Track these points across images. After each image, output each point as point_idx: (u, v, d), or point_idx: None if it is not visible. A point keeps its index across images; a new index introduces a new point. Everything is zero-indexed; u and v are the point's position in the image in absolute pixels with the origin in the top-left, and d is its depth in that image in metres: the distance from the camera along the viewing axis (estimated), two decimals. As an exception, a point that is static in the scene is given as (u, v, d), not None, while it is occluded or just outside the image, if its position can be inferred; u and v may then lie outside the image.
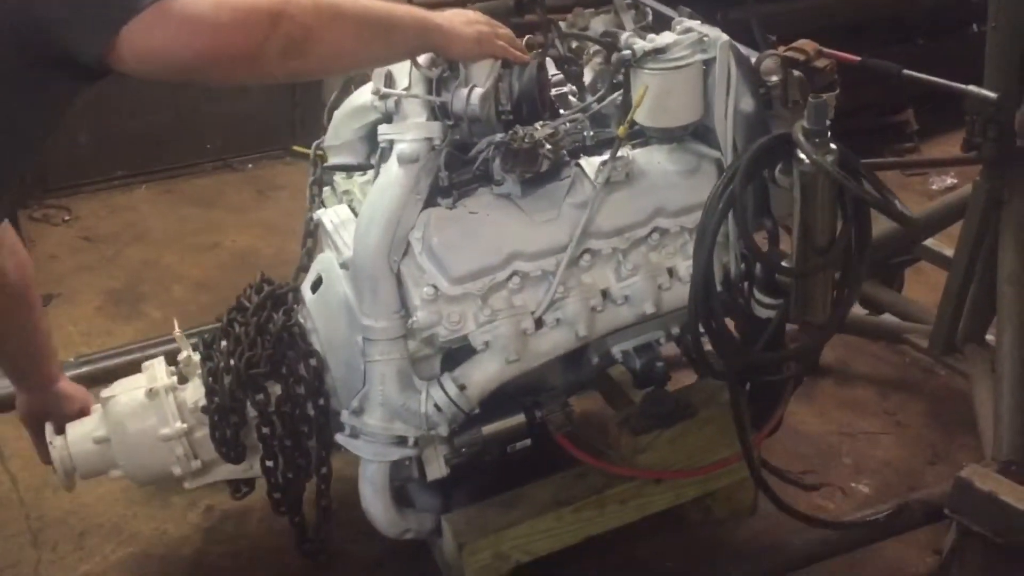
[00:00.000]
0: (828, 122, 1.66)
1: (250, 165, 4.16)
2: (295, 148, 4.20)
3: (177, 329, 2.19)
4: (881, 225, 3.02)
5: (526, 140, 1.73)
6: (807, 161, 1.66)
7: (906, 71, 2.46)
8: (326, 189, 2.31)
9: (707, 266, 1.74)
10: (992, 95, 2.40)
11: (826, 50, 1.96)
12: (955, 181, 4.24)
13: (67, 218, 3.70)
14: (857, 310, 3.20)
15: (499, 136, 1.78)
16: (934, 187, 4.35)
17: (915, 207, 3.26)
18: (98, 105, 3.79)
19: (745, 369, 1.91)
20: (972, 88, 2.41)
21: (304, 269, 2.24)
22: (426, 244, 1.79)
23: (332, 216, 2.13)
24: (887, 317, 3.14)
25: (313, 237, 2.28)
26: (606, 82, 2.01)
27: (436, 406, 1.85)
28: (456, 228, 1.79)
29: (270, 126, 4.06)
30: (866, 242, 1.79)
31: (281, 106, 4.04)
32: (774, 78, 1.84)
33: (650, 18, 2.11)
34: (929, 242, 3.09)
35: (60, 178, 3.85)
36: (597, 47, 2.05)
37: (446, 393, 1.85)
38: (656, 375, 2.07)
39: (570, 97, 2.09)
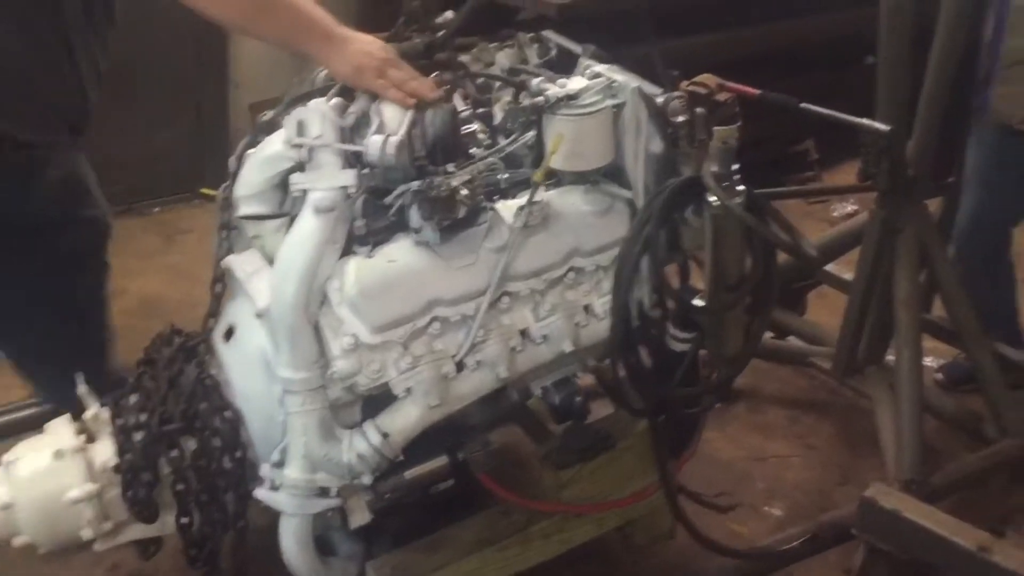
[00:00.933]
0: (736, 165, 1.66)
1: (157, 209, 4.04)
2: (203, 191, 4.07)
3: (82, 385, 2.07)
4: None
5: (443, 188, 1.69)
6: (716, 203, 1.66)
7: (804, 104, 2.49)
8: (235, 232, 2.22)
9: (624, 308, 1.72)
10: (884, 128, 2.44)
11: (727, 84, 1.98)
12: (856, 207, 4.36)
13: None
14: (764, 334, 3.26)
15: (415, 184, 1.73)
16: (835, 214, 4.49)
17: (817, 233, 3.38)
18: None
19: (664, 403, 1.90)
20: (865, 121, 2.45)
21: (213, 315, 2.13)
22: (345, 294, 1.72)
23: (243, 263, 2.03)
24: (792, 340, 3.20)
25: (223, 283, 2.18)
26: (515, 122, 1.98)
27: (359, 455, 1.78)
28: (375, 277, 1.73)
29: (177, 169, 3.95)
30: (772, 277, 1.80)
31: (189, 148, 3.92)
32: (680, 118, 1.83)
33: (554, 52, 2.10)
34: (830, 267, 3.15)
35: None
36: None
37: (369, 442, 1.78)
38: (575, 409, 2.03)
39: (479, 135, 2.05)
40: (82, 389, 2.06)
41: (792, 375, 3.22)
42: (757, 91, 2.17)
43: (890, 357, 2.80)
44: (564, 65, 2.04)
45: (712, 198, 1.67)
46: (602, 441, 2.08)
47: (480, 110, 2.02)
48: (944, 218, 3.00)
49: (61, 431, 2.00)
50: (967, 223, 3.02)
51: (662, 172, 1.83)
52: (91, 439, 1.99)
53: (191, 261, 3.57)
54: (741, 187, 1.67)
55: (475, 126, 2.02)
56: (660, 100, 1.82)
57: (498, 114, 2.05)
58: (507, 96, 2.05)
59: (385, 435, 1.79)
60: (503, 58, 2.10)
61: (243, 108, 4.07)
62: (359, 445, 1.78)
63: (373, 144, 1.70)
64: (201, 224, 3.84)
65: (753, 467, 2.83)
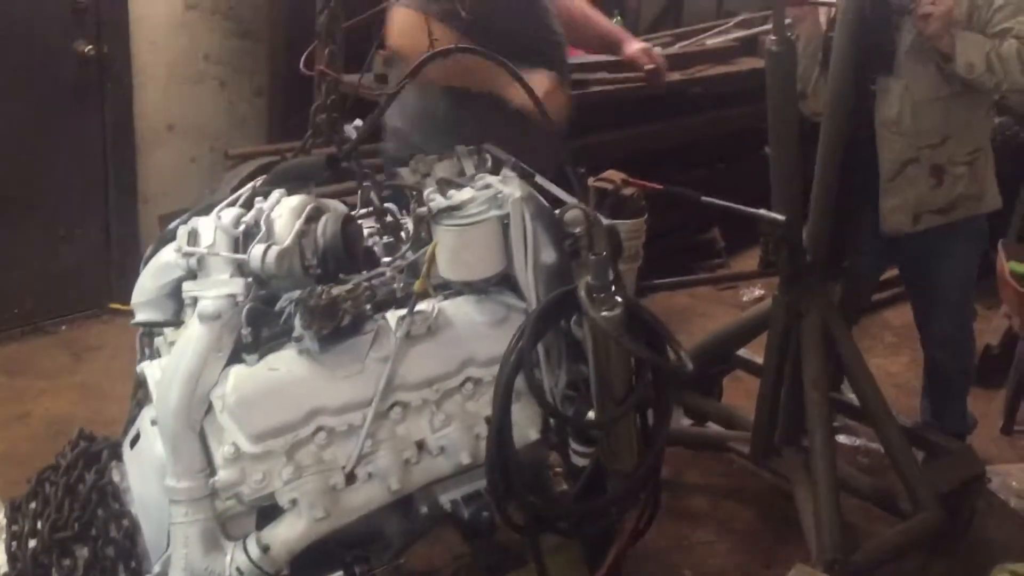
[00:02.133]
0: (611, 277, 1.56)
1: (64, 327, 3.77)
2: (112, 306, 3.83)
3: (-11, 489, 1.93)
4: (695, 337, 3.02)
5: (323, 296, 1.58)
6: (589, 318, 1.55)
7: (704, 197, 2.50)
8: (159, 340, 2.11)
9: (502, 422, 1.60)
10: (780, 217, 2.44)
11: (631, 179, 1.90)
12: (763, 292, 4.32)
13: None
14: (682, 421, 3.16)
15: (297, 292, 1.62)
16: (744, 299, 4.44)
17: (729, 318, 3.29)
18: None
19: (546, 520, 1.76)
20: (762, 212, 2.46)
21: (131, 421, 2.02)
22: (225, 402, 1.60)
23: (155, 369, 1.92)
24: (710, 426, 3.11)
25: (145, 389, 2.06)
26: (424, 231, 1.89)
27: (238, 570, 1.63)
28: (254, 385, 1.61)
29: (84, 285, 3.75)
30: (665, 389, 1.68)
31: (97, 263, 3.76)
32: (578, 229, 1.74)
33: (490, 164, 2.02)
34: (743, 352, 3.10)
35: None
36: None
37: (248, 556, 1.63)
38: (483, 525, 1.88)
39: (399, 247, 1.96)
40: (-12, 492, 1.93)
41: (712, 461, 3.10)
42: (660, 186, 2.10)
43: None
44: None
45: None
46: (511, 559, 1.91)
47: (387, 220, 1.93)
48: (845, 300, 2.95)
49: (-45, 538, 1.86)
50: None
51: (555, 283, 1.70)
52: (-11, 545, 1.86)
53: (101, 378, 3.30)
54: (619, 299, 1.55)
55: (385, 239, 1.94)
56: (558, 211, 1.73)
57: (411, 226, 1.96)
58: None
59: (266, 548, 1.64)
60: (440, 169, 2.01)
61: (153, 221, 3.94)
62: (239, 559, 1.63)
63: (255, 254, 1.61)
64: (111, 340, 3.60)
65: (679, 555, 2.70)
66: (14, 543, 1.79)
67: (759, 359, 2.90)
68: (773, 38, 2.45)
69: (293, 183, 1.83)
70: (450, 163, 1.99)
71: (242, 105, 4.27)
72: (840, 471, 2.61)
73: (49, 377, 3.36)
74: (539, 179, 1.86)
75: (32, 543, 1.78)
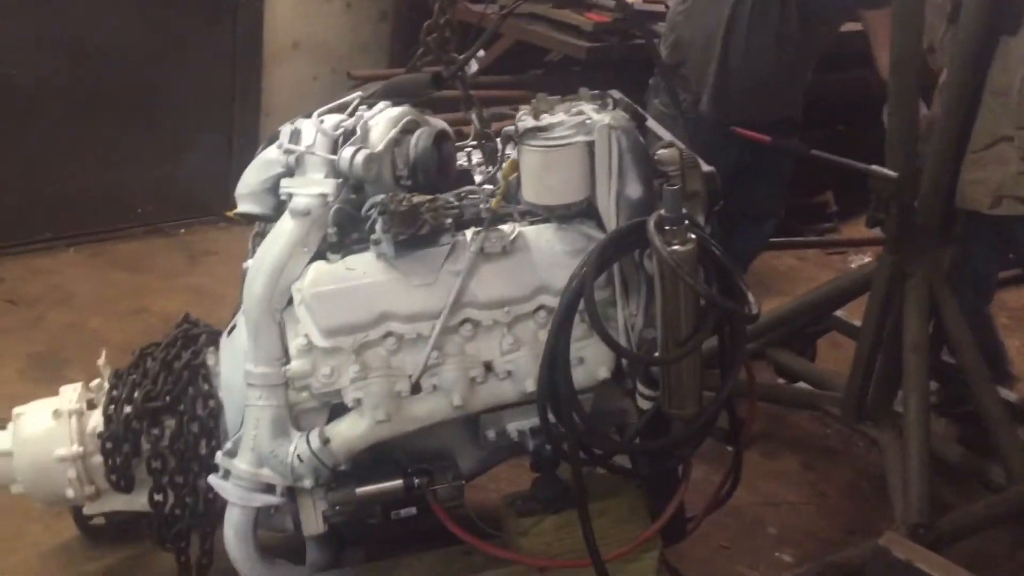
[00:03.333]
0: (684, 210, 1.44)
1: (182, 230, 3.78)
2: (229, 213, 3.95)
3: (103, 358, 2.01)
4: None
5: (403, 203, 1.55)
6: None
7: (814, 151, 2.32)
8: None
9: (556, 350, 1.52)
10: (892, 174, 2.29)
11: (738, 130, 1.75)
12: (872, 260, 4.00)
13: None
14: (773, 378, 3.01)
15: (380, 197, 1.60)
16: (853, 265, 4.08)
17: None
18: (26, 166, 3.50)
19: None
20: (874, 167, 2.30)
21: (237, 313, 2.06)
22: (302, 295, 1.61)
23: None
24: (801, 385, 2.93)
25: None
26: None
27: (299, 457, 1.64)
28: (330, 281, 1.61)
29: (204, 191, 3.69)
30: (740, 336, 1.55)
31: (215, 171, 3.69)
32: (672, 168, 1.62)
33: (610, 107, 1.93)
34: (840, 312, 2.91)
35: None
36: None
37: (309, 445, 1.64)
38: (547, 458, 1.81)
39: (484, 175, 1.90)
40: (101, 360, 2.01)
41: (807, 421, 2.91)
42: (767, 138, 1.94)
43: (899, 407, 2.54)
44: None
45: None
46: (570, 496, 1.82)
47: (487, 143, 1.88)
48: (953, 267, 2.69)
49: (68, 395, 1.96)
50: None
51: (638, 217, 1.59)
52: (91, 406, 1.94)
53: (214, 282, 3.25)
54: (691, 235, 1.43)
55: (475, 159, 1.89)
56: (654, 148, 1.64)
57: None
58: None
59: (326, 441, 1.64)
60: (561, 110, 1.93)
61: (273, 136, 4.01)
62: (300, 447, 1.65)
63: (344, 154, 1.60)
64: (226, 246, 3.57)
65: (766, 513, 2.54)
66: (112, 407, 1.85)
67: (857, 321, 2.73)
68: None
69: (399, 98, 1.79)
70: (571, 104, 1.90)
71: (366, 28, 4.24)
72: (933, 438, 2.44)
73: (166, 277, 3.43)
74: (651, 123, 1.75)
75: (127, 409, 1.83)
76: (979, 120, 2.49)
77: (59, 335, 3.00)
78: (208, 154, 3.74)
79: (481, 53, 1.87)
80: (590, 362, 1.69)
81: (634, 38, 3.41)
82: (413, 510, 1.80)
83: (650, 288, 1.62)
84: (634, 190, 1.62)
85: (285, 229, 1.64)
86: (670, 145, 1.68)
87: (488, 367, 1.68)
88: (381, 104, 1.74)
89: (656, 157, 1.66)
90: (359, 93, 1.79)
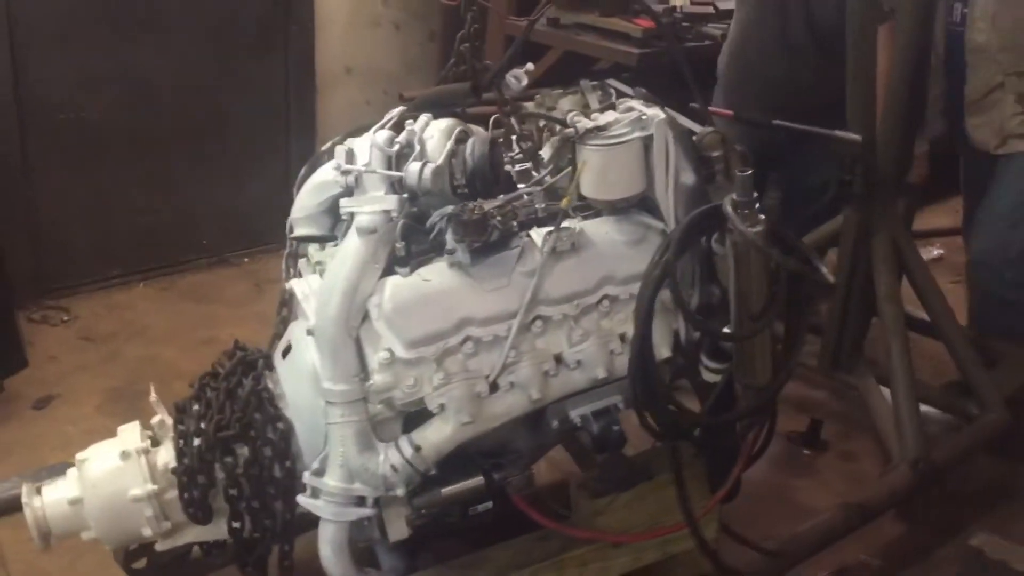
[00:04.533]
0: (755, 194, 1.51)
1: (246, 259, 3.84)
2: (291, 237, 3.96)
3: (153, 394, 2.00)
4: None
5: (475, 211, 1.60)
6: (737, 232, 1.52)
7: (776, 121, 2.43)
8: (301, 261, 2.15)
9: (645, 334, 1.58)
10: (857, 137, 2.42)
11: (711, 109, 1.83)
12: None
13: (65, 318, 3.33)
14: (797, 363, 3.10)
15: (450, 208, 1.64)
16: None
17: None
18: (95, 205, 3.53)
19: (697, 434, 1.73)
20: (838, 133, 2.43)
21: (279, 337, 2.07)
22: (382, 310, 1.64)
23: (303, 286, 1.98)
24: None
25: (288, 307, 2.11)
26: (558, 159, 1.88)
27: (393, 467, 1.68)
28: (409, 294, 1.65)
29: (265, 220, 3.67)
30: (803, 305, 1.63)
31: (276, 199, 3.76)
32: (715, 152, 1.69)
33: (614, 98, 1.99)
34: None
35: (58, 279, 3.51)
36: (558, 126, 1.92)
37: (402, 454, 1.68)
38: (613, 439, 1.87)
39: (533, 173, 1.94)
40: (153, 397, 1.99)
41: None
42: (730, 112, 2.01)
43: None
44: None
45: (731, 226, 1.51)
46: (639, 473, 1.92)
47: (528, 145, 1.93)
48: (906, 216, 2.94)
49: (130, 434, 1.94)
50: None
51: (693, 204, 1.70)
52: (156, 443, 1.93)
53: None
54: (761, 216, 1.51)
55: (528, 165, 1.93)
56: (696, 135, 1.70)
57: (548, 153, 1.94)
58: (557, 137, 1.95)
59: (417, 448, 1.68)
60: (566, 103, 1.99)
61: (329, 161, 4.04)
62: (393, 457, 1.68)
63: (412, 171, 1.63)
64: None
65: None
66: (181, 441, 1.84)
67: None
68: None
69: (439, 109, 1.82)
70: (575, 98, 1.97)
71: (415, 49, 4.28)
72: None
73: (233, 306, 3.47)
74: (668, 110, 1.82)
75: (197, 441, 1.82)
76: (969, 78, 2.72)
77: (135, 369, 3.05)
78: (267, 182, 3.76)
79: (531, 67, 1.89)
80: (654, 343, 1.74)
81: (686, 41, 3.49)
82: (490, 504, 1.84)
83: (704, 270, 1.70)
84: (687, 177, 1.70)
85: (353, 248, 1.66)
86: (712, 131, 1.74)
87: (558, 359, 1.74)
88: (423, 117, 1.77)
89: (700, 143, 1.73)
90: (400, 108, 1.81)
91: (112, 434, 2.18)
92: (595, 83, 1.99)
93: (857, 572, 2.28)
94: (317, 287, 1.93)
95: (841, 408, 2.92)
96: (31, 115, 3.32)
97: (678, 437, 1.76)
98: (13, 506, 2.24)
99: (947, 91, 2.90)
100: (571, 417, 1.84)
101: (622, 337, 1.76)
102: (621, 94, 1.91)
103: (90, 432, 2.55)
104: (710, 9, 3.67)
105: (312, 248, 2.08)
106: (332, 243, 1.90)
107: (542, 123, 1.99)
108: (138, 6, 3.46)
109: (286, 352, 1.92)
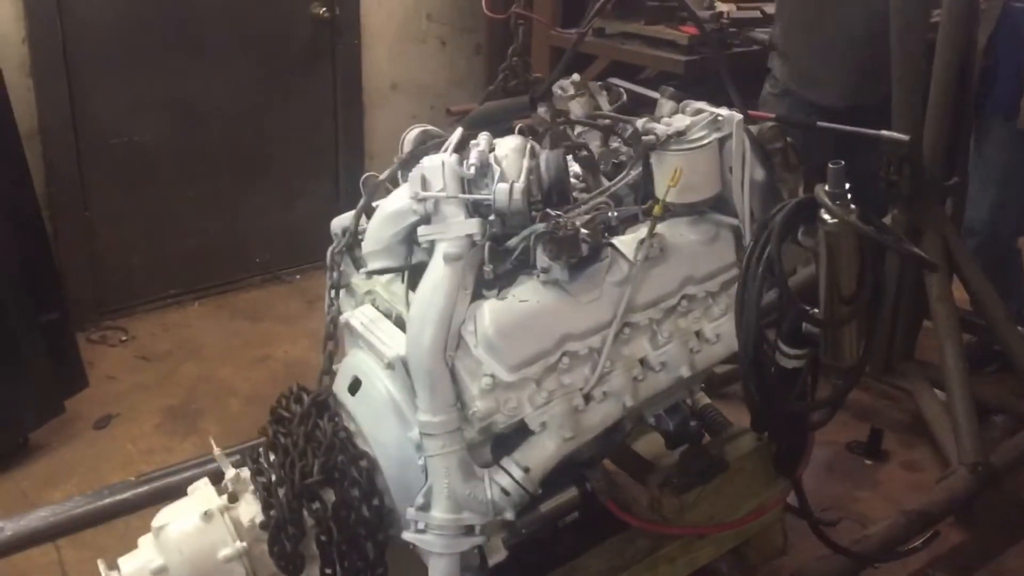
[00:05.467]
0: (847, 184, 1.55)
1: (298, 276, 3.88)
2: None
3: (216, 448, 1.94)
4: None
5: (569, 228, 1.59)
6: (832, 221, 1.55)
7: (820, 123, 2.43)
8: (342, 292, 2.11)
9: (753, 326, 1.60)
10: (904, 137, 2.40)
11: (751, 112, 1.86)
12: None
13: (124, 339, 3.40)
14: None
15: (540, 226, 1.62)
16: None
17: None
18: (149, 227, 3.56)
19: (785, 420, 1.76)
20: (885, 132, 2.40)
21: (327, 372, 2.01)
22: (481, 336, 1.62)
23: (360, 317, 1.94)
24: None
25: (334, 340, 2.06)
26: (608, 163, 1.90)
27: (503, 491, 1.66)
28: (510, 318, 1.63)
29: (315, 237, 3.79)
30: (882, 288, 1.68)
31: (326, 217, 3.87)
32: (776, 145, 1.73)
33: (624, 98, 2.01)
34: None
35: (116, 300, 3.55)
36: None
37: (512, 477, 1.67)
38: (690, 434, 1.90)
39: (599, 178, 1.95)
40: (217, 452, 1.93)
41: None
42: (772, 115, 2.06)
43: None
44: (638, 110, 1.95)
45: (827, 216, 1.54)
46: (718, 463, 1.95)
47: (584, 154, 1.92)
48: (954, 216, 2.95)
49: (205, 493, 1.87)
50: (988, 216, 3.00)
51: (766, 199, 1.75)
52: (234, 499, 1.86)
53: None
54: (853, 205, 1.55)
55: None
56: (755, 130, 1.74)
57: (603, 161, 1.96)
58: (596, 142, 1.96)
59: (527, 469, 1.67)
60: (576, 107, 2.00)
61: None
62: (502, 481, 1.67)
63: (501, 192, 1.61)
64: None
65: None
66: (265, 493, 1.79)
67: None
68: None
69: (495, 125, 1.82)
70: (586, 100, 2.00)
71: (461, 63, 4.28)
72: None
73: (286, 323, 3.49)
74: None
75: (282, 492, 1.77)
76: None
77: (191, 387, 3.08)
78: (317, 200, 3.77)
79: (576, 78, 1.89)
80: (726, 337, 1.80)
81: (734, 47, 3.48)
82: (576, 514, 1.86)
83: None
84: (758, 173, 1.75)
85: (442, 276, 1.63)
86: (772, 124, 1.78)
87: (643, 363, 1.76)
88: (483, 136, 1.74)
89: (762, 137, 1.76)
90: (460, 129, 1.80)
91: (171, 453, 2.12)
92: (601, 83, 2.01)
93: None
94: (376, 317, 1.92)
95: (901, 417, 2.92)
96: (86, 140, 3.36)
97: (796, 431, 1.79)
98: (75, 526, 2.30)
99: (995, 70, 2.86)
100: (644, 417, 1.89)
101: (698, 334, 1.79)
102: (634, 95, 1.94)
103: (150, 451, 2.71)
104: (757, 13, 3.68)
105: (356, 278, 2.06)
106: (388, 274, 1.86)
107: (578, 131, 2.01)
108: (188, 31, 3.50)
109: (353, 387, 1.89)
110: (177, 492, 1.93)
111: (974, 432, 2.40)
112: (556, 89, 1.92)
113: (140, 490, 2.42)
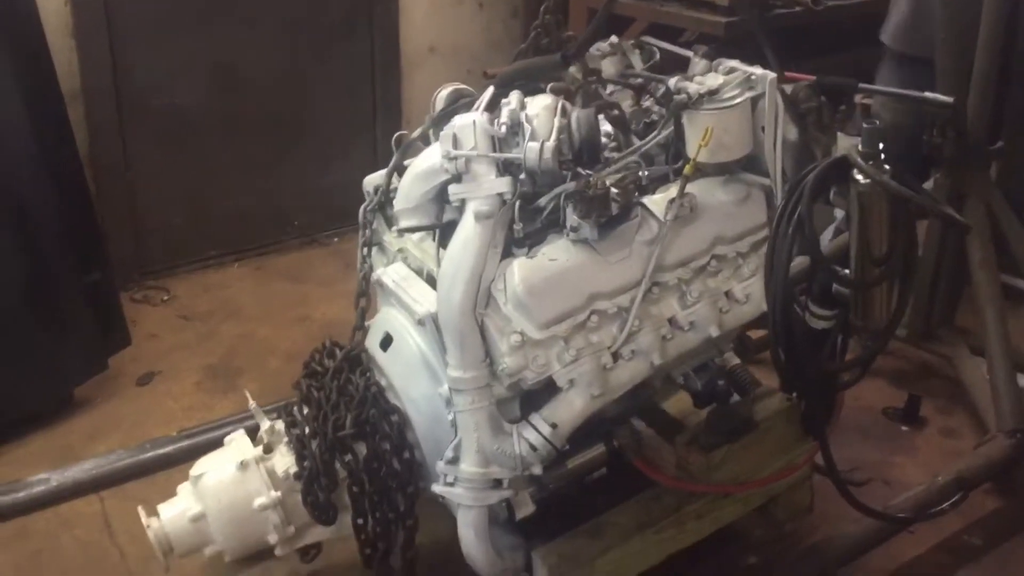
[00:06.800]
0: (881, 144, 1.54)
1: (335, 239, 3.91)
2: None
3: (252, 402, 2.00)
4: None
5: (599, 187, 1.60)
6: (866, 180, 1.55)
7: (862, 84, 2.37)
8: (374, 250, 2.14)
9: (783, 286, 1.60)
10: (949, 100, 2.31)
11: (790, 73, 1.84)
12: None
13: (165, 298, 3.44)
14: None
15: (571, 185, 1.63)
16: None
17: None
18: (190, 188, 3.62)
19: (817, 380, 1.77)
20: (929, 95, 2.29)
21: (359, 328, 2.06)
22: (511, 294, 1.64)
23: (392, 275, 1.98)
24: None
25: (366, 297, 2.10)
26: (639, 122, 1.91)
27: (531, 446, 1.69)
28: (540, 276, 1.65)
29: (353, 200, 3.87)
30: (915, 249, 1.67)
31: (362, 179, 3.97)
32: (811, 104, 1.73)
33: (658, 57, 2.00)
34: None
35: (158, 260, 3.61)
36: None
37: (540, 433, 1.70)
38: (719, 393, 1.92)
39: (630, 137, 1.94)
40: (253, 405, 1.99)
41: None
42: (812, 77, 2.03)
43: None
44: (672, 69, 1.94)
45: (860, 176, 1.53)
46: (746, 422, 1.97)
47: (615, 113, 1.92)
48: (999, 181, 2.84)
49: (241, 444, 1.94)
50: None
51: (798, 158, 1.74)
52: (268, 449, 1.93)
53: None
54: (887, 166, 1.54)
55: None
56: (789, 90, 1.72)
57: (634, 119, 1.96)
58: (628, 101, 1.96)
59: (554, 425, 1.70)
60: (608, 65, 2.00)
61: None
62: (530, 436, 1.70)
63: (531, 151, 1.62)
64: None
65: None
66: (299, 445, 1.85)
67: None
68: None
69: (529, 82, 1.82)
70: (617, 58, 1.99)
71: (498, 26, 4.26)
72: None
73: (324, 285, 3.51)
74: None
75: (315, 444, 1.82)
76: None
77: (231, 346, 3.13)
78: (355, 163, 3.73)
79: (615, 39, 1.89)
80: (755, 297, 1.81)
81: (776, 8, 3.41)
82: (604, 470, 1.89)
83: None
84: (791, 132, 1.74)
85: (472, 234, 1.65)
86: (804, 84, 1.76)
87: (671, 322, 1.77)
88: (514, 95, 1.75)
89: (796, 97, 1.75)
90: (491, 88, 1.80)
91: (210, 410, 2.15)
92: (634, 42, 2.00)
93: (959, 551, 2.23)
94: (407, 274, 1.95)
95: (941, 383, 2.85)
96: (128, 102, 3.40)
97: (827, 390, 1.80)
98: (118, 478, 2.41)
99: None
100: (673, 376, 1.91)
101: (727, 294, 1.80)
102: (668, 53, 1.91)
103: (190, 408, 2.76)
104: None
105: (388, 236, 2.09)
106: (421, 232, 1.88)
107: (609, 89, 2.01)
108: (227, -7, 3.54)
109: (385, 343, 1.93)
110: (216, 447, 1.99)
111: (1013, 398, 2.38)
112: (593, 51, 1.92)
113: (181, 445, 2.53)
